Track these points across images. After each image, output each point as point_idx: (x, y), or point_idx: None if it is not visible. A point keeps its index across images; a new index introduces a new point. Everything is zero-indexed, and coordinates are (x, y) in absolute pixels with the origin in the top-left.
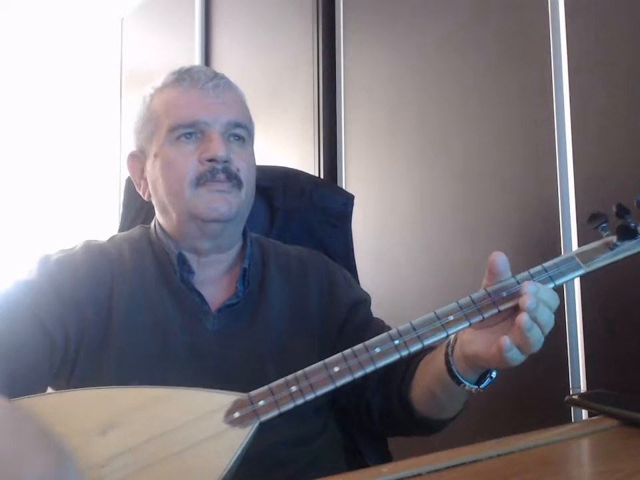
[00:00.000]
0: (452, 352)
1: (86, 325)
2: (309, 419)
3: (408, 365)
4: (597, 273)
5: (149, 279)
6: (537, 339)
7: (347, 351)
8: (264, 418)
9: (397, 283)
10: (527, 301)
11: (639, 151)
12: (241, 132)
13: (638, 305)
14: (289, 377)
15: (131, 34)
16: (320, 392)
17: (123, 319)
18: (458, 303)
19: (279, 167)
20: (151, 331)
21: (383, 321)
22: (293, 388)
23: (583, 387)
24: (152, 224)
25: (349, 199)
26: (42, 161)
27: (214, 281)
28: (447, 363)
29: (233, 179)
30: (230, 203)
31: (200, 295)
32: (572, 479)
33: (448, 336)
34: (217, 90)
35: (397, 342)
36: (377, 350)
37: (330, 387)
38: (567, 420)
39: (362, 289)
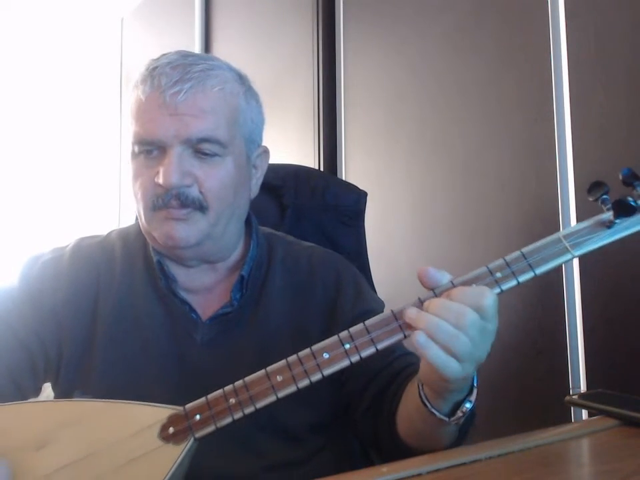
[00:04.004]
0: None
1: (65, 336)
2: (303, 439)
3: (398, 388)
4: (597, 272)
5: (138, 283)
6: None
7: (292, 358)
8: (199, 434)
9: (395, 282)
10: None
11: (639, 151)
12: (209, 148)
13: (638, 305)
14: (227, 387)
15: (130, 34)
16: (260, 405)
17: (108, 330)
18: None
19: (290, 165)
20: (136, 342)
21: None
22: (232, 400)
23: (583, 387)
24: None
25: (361, 196)
26: (42, 160)
27: (207, 289)
28: (418, 386)
29: (190, 204)
30: (187, 231)
31: (188, 304)
32: (572, 479)
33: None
34: (177, 98)
35: (347, 346)
36: (326, 356)
37: (271, 399)
38: (567, 420)
39: (374, 298)
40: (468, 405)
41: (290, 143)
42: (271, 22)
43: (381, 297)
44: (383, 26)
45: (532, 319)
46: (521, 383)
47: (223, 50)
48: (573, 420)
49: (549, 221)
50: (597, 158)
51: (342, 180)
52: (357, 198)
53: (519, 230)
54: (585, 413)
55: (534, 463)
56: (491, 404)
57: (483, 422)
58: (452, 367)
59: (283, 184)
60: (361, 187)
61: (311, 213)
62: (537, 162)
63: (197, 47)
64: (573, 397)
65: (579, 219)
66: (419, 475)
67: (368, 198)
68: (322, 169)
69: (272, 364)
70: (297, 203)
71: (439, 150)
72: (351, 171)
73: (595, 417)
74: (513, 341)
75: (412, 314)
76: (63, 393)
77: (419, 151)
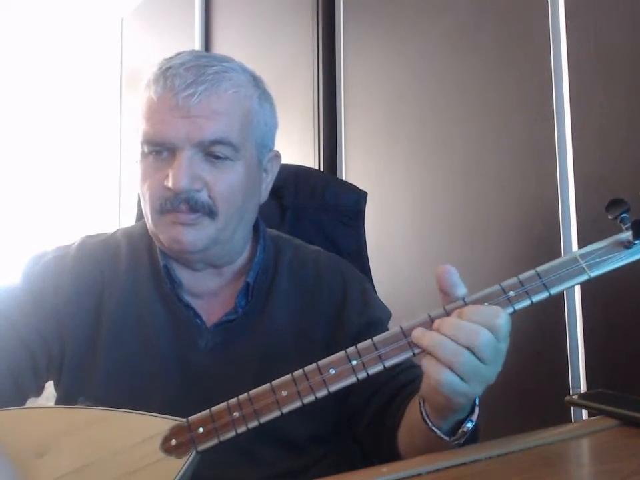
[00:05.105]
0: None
1: (67, 334)
2: (304, 449)
3: (402, 402)
4: None
5: (142, 282)
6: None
7: (298, 372)
8: (201, 447)
9: (395, 282)
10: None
11: (639, 151)
12: (220, 151)
13: (638, 305)
14: (232, 401)
15: (130, 34)
16: (264, 419)
17: (112, 327)
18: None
19: (290, 165)
20: (138, 340)
21: None
22: (236, 414)
23: (583, 387)
24: None
25: (360, 196)
26: (42, 160)
27: (212, 293)
28: (419, 403)
29: (200, 209)
30: (194, 236)
31: (192, 308)
32: (572, 479)
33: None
34: (190, 101)
35: (354, 362)
36: (332, 372)
37: (276, 414)
38: (567, 420)
39: (381, 305)
40: (469, 425)
41: (290, 143)
42: (271, 22)
43: (380, 297)
44: (383, 26)
45: (532, 319)
46: (521, 383)
47: (222, 50)
48: (573, 420)
49: (548, 221)
50: (597, 158)
51: (342, 180)
52: (357, 198)
53: (519, 230)
54: (585, 413)
55: (534, 463)
56: (491, 404)
57: (483, 422)
58: (458, 386)
59: (283, 184)
60: (361, 187)
61: (311, 213)
62: (536, 162)
63: (196, 47)
64: (573, 397)
65: (579, 219)
66: (419, 474)
67: (368, 198)
68: (322, 169)
69: (275, 370)
70: (296, 203)
71: (439, 150)
72: (351, 171)
73: (595, 417)
74: (513, 342)
75: (417, 333)
76: (65, 392)
77: (419, 151)
